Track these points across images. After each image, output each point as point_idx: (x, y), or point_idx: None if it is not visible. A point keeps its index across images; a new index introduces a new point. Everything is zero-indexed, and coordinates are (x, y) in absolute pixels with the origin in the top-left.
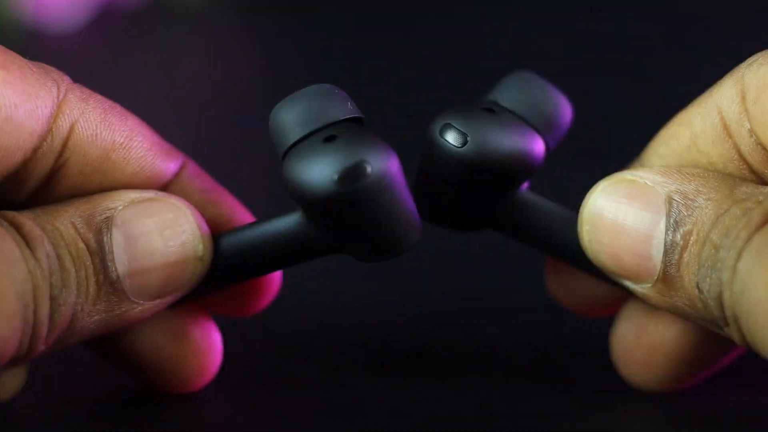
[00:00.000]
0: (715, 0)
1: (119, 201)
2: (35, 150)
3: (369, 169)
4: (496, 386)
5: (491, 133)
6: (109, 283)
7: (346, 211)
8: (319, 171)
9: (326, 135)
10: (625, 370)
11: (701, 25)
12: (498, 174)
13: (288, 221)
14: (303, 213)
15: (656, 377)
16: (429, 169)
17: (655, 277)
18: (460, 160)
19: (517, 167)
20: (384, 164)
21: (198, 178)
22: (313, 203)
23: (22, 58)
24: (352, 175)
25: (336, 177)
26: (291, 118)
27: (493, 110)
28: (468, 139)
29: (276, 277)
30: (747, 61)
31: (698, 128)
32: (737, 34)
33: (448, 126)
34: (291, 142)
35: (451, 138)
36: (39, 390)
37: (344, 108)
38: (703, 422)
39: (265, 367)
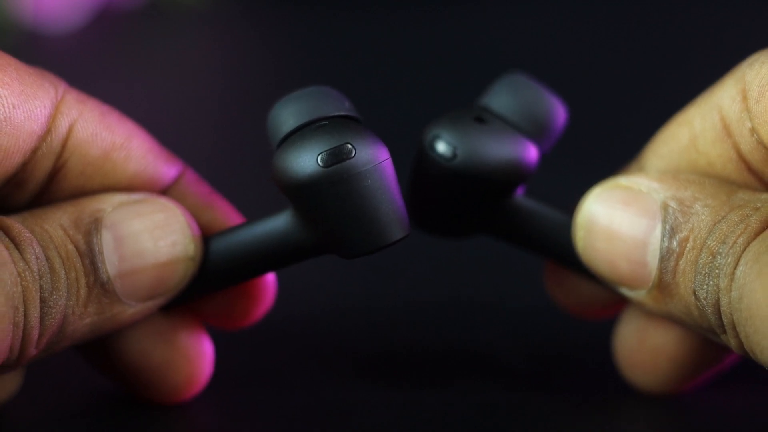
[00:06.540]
0: None
1: (108, 203)
2: (34, 151)
3: (353, 152)
4: (496, 389)
5: (481, 145)
6: (99, 285)
7: (330, 192)
8: (304, 153)
9: (317, 126)
10: (628, 372)
11: (700, 25)
12: (489, 184)
13: (278, 219)
14: (292, 209)
15: (659, 379)
16: (421, 179)
17: (651, 284)
18: (450, 173)
19: (508, 177)
20: (370, 150)
21: (195, 184)
22: (297, 185)
23: (18, 61)
24: (336, 154)
25: (319, 157)
26: (286, 113)
27: (483, 119)
28: (457, 152)
29: (270, 288)
30: (747, 60)
31: (698, 128)
32: (737, 34)
33: (437, 138)
34: (283, 135)
35: (441, 150)
36: (34, 395)
37: (340, 106)
38: (706, 424)
39: (259, 379)
